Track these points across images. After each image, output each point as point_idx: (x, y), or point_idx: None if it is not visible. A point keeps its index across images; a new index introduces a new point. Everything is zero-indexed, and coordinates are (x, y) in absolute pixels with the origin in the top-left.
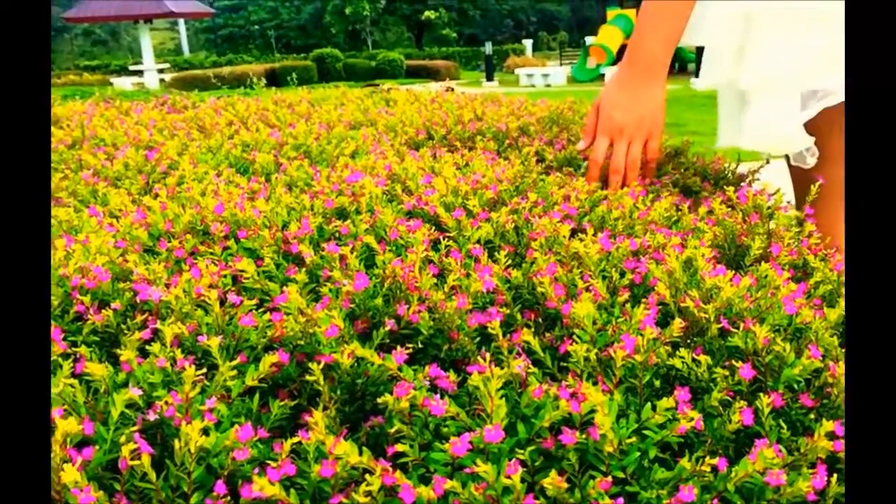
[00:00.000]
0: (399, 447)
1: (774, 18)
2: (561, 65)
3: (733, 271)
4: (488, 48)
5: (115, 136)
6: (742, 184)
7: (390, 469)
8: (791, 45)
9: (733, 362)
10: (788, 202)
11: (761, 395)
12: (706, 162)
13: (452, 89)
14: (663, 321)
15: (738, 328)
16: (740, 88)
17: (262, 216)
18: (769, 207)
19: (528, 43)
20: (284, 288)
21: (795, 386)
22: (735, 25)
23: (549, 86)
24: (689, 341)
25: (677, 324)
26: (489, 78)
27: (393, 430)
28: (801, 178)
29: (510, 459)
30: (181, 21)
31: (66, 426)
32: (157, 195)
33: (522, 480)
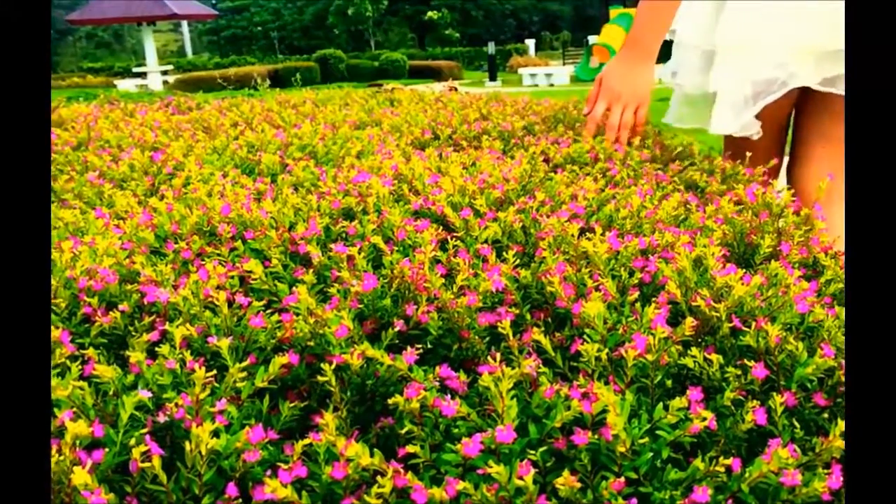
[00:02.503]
0: (410, 448)
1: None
2: (564, 64)
3: (743, 270)
4: (491, 48)
5: (120, 138)
6: (752, 182)
7: (402, 470)
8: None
9: (745, 361)
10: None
11: (774, 394)
12: (713, 160)
13: (456, 89)
14: (673, 320)
15: (749, 327)
16: (709, 90)
17: (269, 217)
18: (778, 205)
19: (530, 43)
20: (294, 288)
21: (808, 385)
22: (702, 55)
23: (552, 85)
24: (700, 340)
25: (689, 323)
26: (492, 78)
27: (404, 431)
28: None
29: (522, 460)
30: (184, 23)
31: (75, 428)
32: (163, 196)
33: (534, 481)
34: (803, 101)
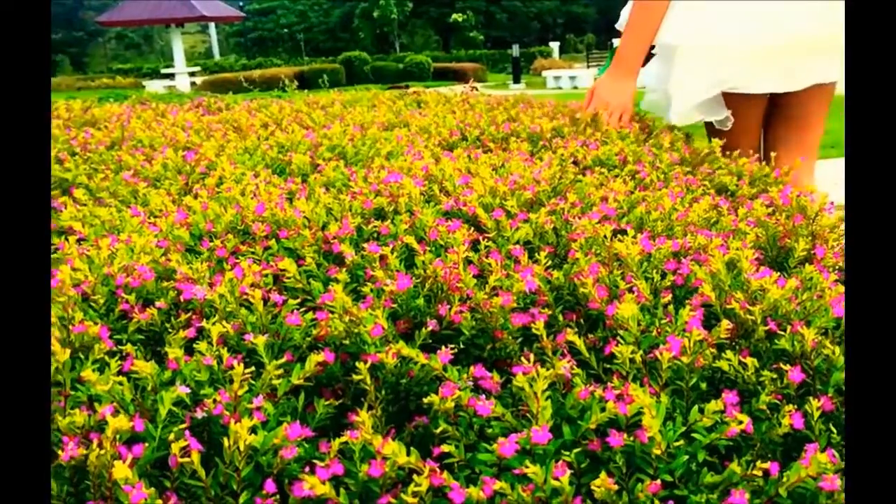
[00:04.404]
0: (445, 448)
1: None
2: (588, 67)
3: (777, 273)
4: (515, 51)
5: (152, 138)
6: (783, 185)
7: (437, 470)
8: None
9: (781, 365)
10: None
11: (810, 398)
12: (741, 162)
13: (476, 88)
14: (706, 323)
15: (785, 331)
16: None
17: (303, 216)
18: (813, 208)
19: (555, 45)
20: (330, 287)
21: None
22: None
23: (576, 88)
24: (734, 343)
25: (724, 325)
26: (516, 80)
27: (438, 431)
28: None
29: (556, 461)
30: (212, 25)
31: (116, 423)
32: (196, 195)
33: (569, 483)
34: (769, 105)
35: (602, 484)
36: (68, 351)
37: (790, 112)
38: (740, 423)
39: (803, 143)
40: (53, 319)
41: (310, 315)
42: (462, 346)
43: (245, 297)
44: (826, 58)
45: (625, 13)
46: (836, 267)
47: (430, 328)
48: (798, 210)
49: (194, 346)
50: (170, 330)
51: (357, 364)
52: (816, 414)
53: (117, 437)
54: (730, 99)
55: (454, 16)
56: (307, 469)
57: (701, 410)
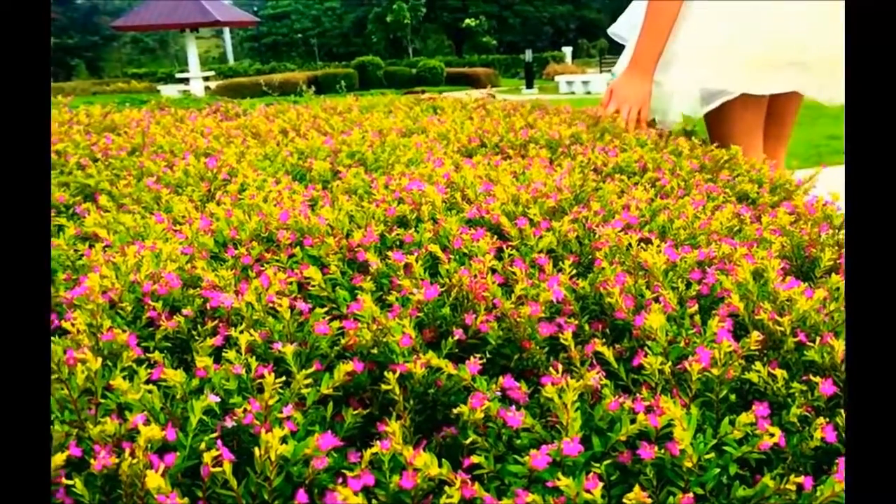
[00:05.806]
0: (475, 459)
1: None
2: (601, 72)
3: (805, 283)
4: (528, 56)
5: (172, 144)
6: (808, 193)
7: (469, 481)
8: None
9: (811, 377)
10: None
11: (841, 411)
12: (762, 170)
13: (493, 96)
14: (733, 333)
15: (814, 342)
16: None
17: (326, 224)
18: (838, 217)
19: (567, 50)
20: (360, 296)
21: None
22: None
23: (589, 93)
24: (763, 355)
25: (755, 336)
26: (529, 85)
27: (468, 442)
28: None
29: (586, 473)
30: (226, 30)
31: (149, 432)
32: (219, 202)
33: (601, 496)
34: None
35: (635, 497)
36: (100, 359)
37: (775, 108)
38: (772, 435)
39: (783, 134)
40: (83, 327)
41: (336, 324)
42: (488, 355)
43: (271, 305)
44: (821, 73)
45: (625, 18)
46: None
47: (456, 337)
48: (823, 219)
49: (222, 354)
50: (196, 338)
51: (385, 373)
52: None
53: (149, 445)
54: (733, 100)
55: (467, 21)
56: (338, 480)
57: (731, 423)
